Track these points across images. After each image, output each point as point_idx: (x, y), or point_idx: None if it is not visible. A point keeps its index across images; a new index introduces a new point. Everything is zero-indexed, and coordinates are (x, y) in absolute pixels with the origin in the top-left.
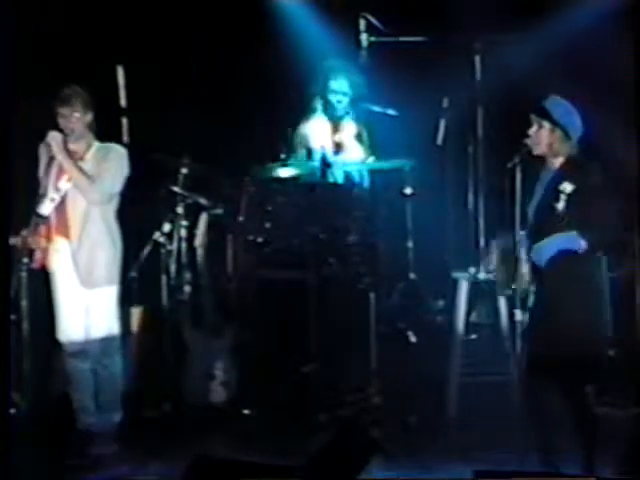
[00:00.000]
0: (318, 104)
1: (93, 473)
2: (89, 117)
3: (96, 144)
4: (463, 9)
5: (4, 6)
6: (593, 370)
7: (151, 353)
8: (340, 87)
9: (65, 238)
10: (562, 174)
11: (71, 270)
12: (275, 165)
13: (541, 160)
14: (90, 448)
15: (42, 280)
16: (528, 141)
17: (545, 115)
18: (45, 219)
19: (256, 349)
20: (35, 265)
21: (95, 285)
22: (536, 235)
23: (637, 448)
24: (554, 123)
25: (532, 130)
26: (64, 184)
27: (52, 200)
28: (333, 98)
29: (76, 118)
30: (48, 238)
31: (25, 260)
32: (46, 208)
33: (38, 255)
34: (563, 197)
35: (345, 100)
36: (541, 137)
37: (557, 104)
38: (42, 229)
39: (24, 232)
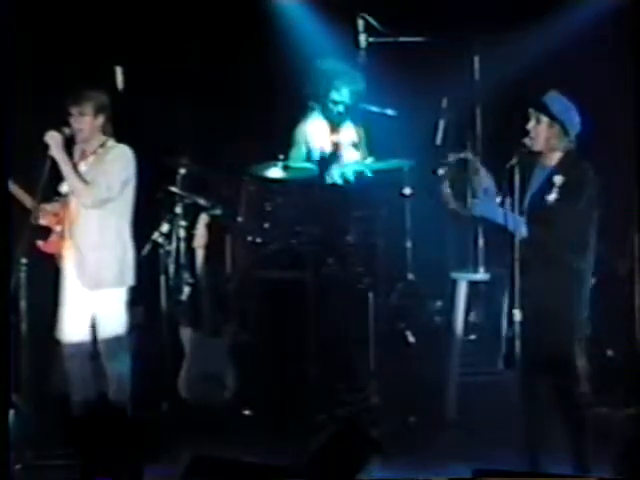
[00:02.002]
0: (317, 106)
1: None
2: (100, 120)
3: (109, 143)
4: (462, 9)
5: (4, 6)
6: (569, 369)
7: (150, 353)
8: (341, 98)
9: (70, 238)
10: (557, 169)
11: (74, 270)
12: (274, 165)
13: (538, 156)
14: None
15: (41, 279)
16: (526, 140)
17: (544, 109)
18: (63, 198)
19: (255, 349)
20: (47, 248)
21: (98, 287)
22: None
23: (635, 448)
24: (553, 118)
25: (530, 124)
26: (82, 167)
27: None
28: (333, 106)
29: (85, 121)
30: (62, 231)
31: (24, 260)
32: (65, 187)
33: (53, 238)
34: (555, 190)
35: (343, 109)
36: (539, 132)
37: (556, 99)
38: (61, 209)
39: (48, 206)
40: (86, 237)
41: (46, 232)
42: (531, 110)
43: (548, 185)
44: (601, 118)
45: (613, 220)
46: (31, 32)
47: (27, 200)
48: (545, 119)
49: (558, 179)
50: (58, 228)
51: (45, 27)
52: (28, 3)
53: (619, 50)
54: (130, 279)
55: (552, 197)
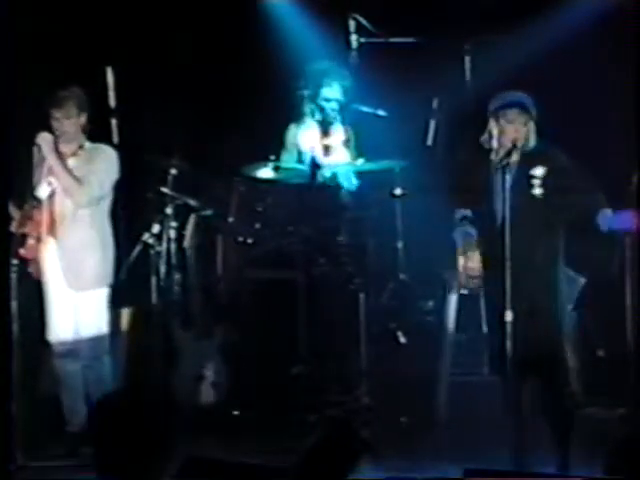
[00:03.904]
0: (308, 107)
1: (85, 473)
2: (83, 119)
3: (87, 144)
4: (453, 10)
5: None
6: (556, 369)
7: (140, 354)
8: (333, 94)
9: (53, 238)
10: (528, 161)
11: (59, 271)
12: (265, 166)
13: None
14: (82, 448)
15: (32, 279)
16: (517, 142)
17: (527, 110)
18: (41, 203)
19: (245, 350)
20: (27, 254)
21: (82, 288)
22: (514, 222)
23: (626, 448)
24: (532, 117)
25: (517, 127)
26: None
27: (49, 184)
28: (325, 104)
29: (69, 121)
30: (38, 235)
31: (15, 262)
32: (43, 191)
33: (31, 242)
34: (537, 181)
35: (336, 106)
36: (525, 132)
37: (527, 98)
38: (37, 214)
39: (19, 213)
40: (69, 238)
41: (24, 238)
42: (516, 111)
43: (526, 178)
44: (595, 117)
45: None
46: (18, 32)
47: (16, 214)
48: (530, 119)
49: (537, 170)
50: (35, 233)
51: (30, 27)
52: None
53: (614, 50)
54: (110, 279)
55: (537, 190)
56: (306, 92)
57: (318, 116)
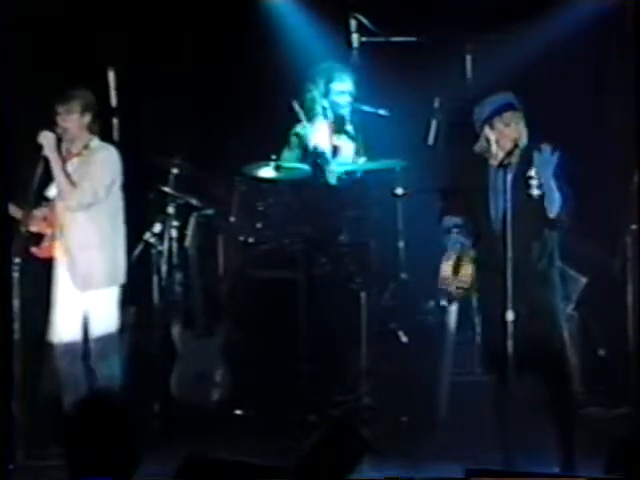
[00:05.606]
0: (319, 106)
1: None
2: (86, 119)
3: (93, 144)
4: (455, 9)
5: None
6: (556, 369)
7: (142, 353)
8: (346, 87)
9: (60, 239)
10: (526, 160)
11: (65, 271)
12: (266, 165)
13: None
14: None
15: (34, 279)
16: (518, 142)
17: (518, 108)
18: (51, 202)
19: (247, 349)
20: (41, 253)
21: (88, 287)
22: (515, 221)
23: (626, 448)
24: (522, 113)
25: (514, 127)
26: (67, 168)
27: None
28: (339, 98)
29: (72, 119)
30: (53, 235)
31: (17, 260)
32: (52, 191)
33: (46, 243)
34: (534, 182)
35: (350, 98)
36: (521, 129)
37: (512, 96)
38: (49, 214)
39: (37, 212)
40: (75, 238)
41: (39, 237)
42: (510, 112)
43: (524, 179)
44: (596, 117)
45: (605, 220)
46: (20, 32)
47: (17, 213)
48: (521, 116)
49: (533, 172)
50: (49, 232)
51: (33, 26)
52: (20, 4)
53: (614, 50)
54: (121, 278)
55: (535, 191)
56: (316, 92)
57: (330, 114)
